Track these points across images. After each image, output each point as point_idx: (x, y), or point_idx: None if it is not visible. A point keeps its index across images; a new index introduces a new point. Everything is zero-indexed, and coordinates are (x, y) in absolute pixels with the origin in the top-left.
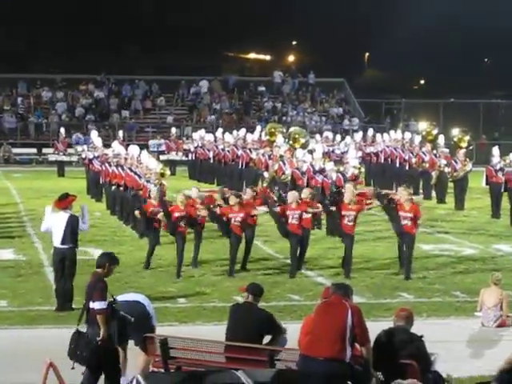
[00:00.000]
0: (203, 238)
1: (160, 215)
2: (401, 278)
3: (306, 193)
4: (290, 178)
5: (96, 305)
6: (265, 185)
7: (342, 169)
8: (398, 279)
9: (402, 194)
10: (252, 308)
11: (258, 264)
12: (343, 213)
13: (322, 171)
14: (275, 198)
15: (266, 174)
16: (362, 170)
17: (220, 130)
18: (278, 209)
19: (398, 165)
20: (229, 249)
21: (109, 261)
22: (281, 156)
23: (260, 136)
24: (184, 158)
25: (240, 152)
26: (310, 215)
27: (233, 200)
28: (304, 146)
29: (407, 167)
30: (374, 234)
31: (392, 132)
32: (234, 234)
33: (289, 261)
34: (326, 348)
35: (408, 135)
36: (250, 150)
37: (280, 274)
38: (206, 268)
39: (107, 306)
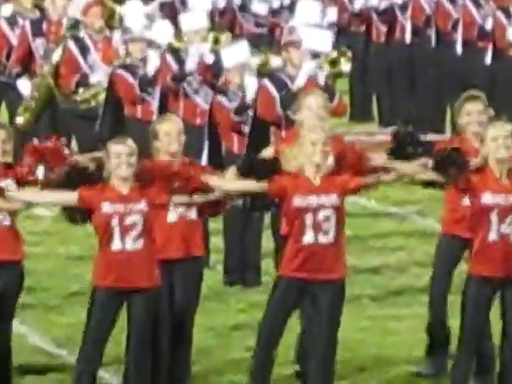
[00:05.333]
0: None
1: None
2: None
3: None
4: (101, 96)
5: None
6: (22, 116)
7: (274, 63)
8: None
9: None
10: None
11: None
12: (296, 201)
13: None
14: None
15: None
16: (346, 66)
17: None
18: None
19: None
20: None
21: None
22: (71, 27)
23: None
24: None
25: None
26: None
27: None
28: None
29: (488, 59)
30: (385, 283)
31: None
32: None
33: None
34: None
35: None
36: None
37: None
38: None
39: None
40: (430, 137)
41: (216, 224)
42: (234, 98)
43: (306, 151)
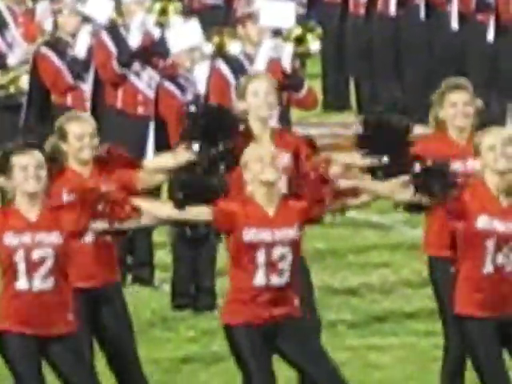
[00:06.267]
0: None
1: None
2: None
3: None
4: (21, 81)
5: None
6: None
7: (232, 48)
8: None
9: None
10: None
11: None
12: (246, 235)
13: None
14: None
15: None
16: (314, 45)
17: None
18: None
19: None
20: None
21: None
22: None
23: None
24: None
25: None
26: None
27: None
28: None
29: (490, 35)
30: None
31: None
32: None
33: None
34: None
35: None
36: None
37: None
38: None
39: None
40: (419, 129)
41: (162, 235)
42: (185, 86)
43: (252, 171)
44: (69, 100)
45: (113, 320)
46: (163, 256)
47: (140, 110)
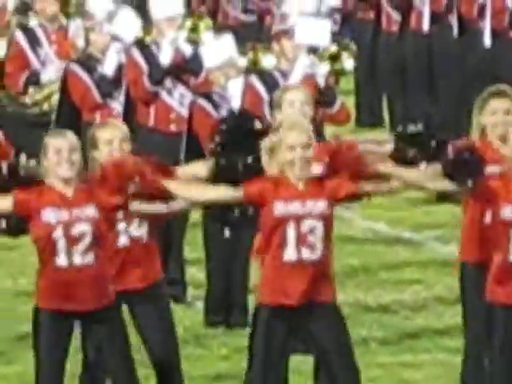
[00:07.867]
0: None
1: None
2: None
3: None
4: (54, 98)
5: None
6: None
7: (266, 62)
8: None
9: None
10: None
11: None
12: (277, 208)
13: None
14: None
15: None
16: (348, 63)
17: None
18: None
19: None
20: None
21: None
22: (19, 12)
23: None
24: None
25: None
26: None
27: None
28: None
29: None
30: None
31: None
32: None
33: None
34: None
35: None
36: None
37: None
38: None
39: None
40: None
41: (195, 252)
42: (219, 103)
43: (283, 158)
44: (98, 117)
45: (152, 319)
46: (196, 273)
47: (172, 127)
